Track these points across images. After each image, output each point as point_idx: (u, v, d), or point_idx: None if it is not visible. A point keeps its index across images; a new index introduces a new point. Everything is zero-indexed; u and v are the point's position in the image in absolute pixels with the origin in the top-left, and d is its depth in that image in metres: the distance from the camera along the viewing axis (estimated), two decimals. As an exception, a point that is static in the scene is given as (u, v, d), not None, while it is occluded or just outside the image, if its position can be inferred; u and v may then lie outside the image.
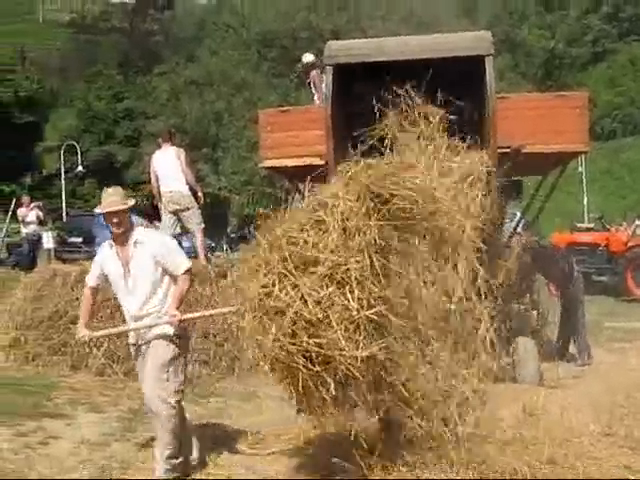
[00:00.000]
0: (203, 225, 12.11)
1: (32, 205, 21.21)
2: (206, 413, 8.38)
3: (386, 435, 6.08)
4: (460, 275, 7.37)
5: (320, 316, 5.00)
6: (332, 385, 5.06)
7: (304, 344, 4.99)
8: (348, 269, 5.11)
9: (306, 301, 5.02)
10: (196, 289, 10.01)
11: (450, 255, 7.29)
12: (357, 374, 5.05)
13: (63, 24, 78.32)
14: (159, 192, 12.04)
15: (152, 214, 13.22)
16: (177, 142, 13.27)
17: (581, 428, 6.95)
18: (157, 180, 12.06)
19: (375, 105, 8.56)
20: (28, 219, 20.82)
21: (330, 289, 5.07)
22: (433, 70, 8.61)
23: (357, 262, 5.14)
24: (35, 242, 20.88)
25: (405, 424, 5.98)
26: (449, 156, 8.54)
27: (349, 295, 5.06)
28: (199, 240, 12.03)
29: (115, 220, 6.13)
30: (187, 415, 6.49)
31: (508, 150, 9.03)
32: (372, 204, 5.42)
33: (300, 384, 5.09)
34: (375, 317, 5.14)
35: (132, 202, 6.32)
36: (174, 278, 6.20)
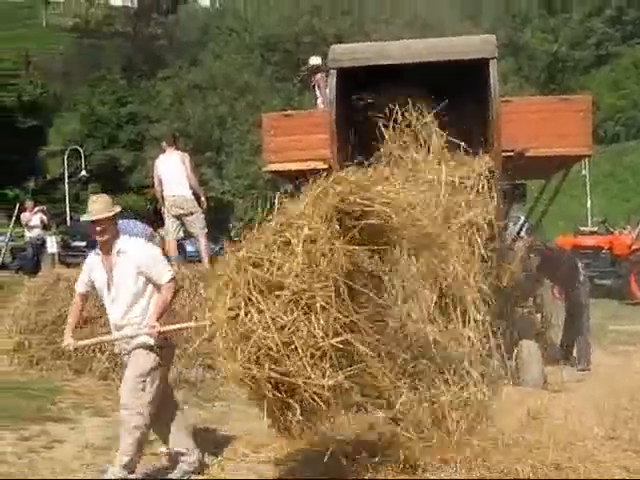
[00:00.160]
0: (206, 230, 12.14)
1: (36, 209, 21.27)
2: (210, 417, 8.37)
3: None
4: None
5: (285, 342, 4.90)
6: (298, 411, 5.00)
7: (267, 372, 4.90)
8: (313, 295, 5.00)
9: (270, 327, 4.91)
10: (200, 293, 10.02)
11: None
12: (322, 403, 4.97)
13: (66, 29, 78.40)
14: (162, 196, 12.06)
15: (155, 220, 13.22)
16: (181, 146, 13.30)
17: (585, 431, 6.95)
18: (160, 184, 12.07)
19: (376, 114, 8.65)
20: (32, 223, 20.88)
21: (295, 314, 4.96)
22: (437, 74, 8.65)
23: (321, 289, 5.01)
24: (39, 246, 20.93)
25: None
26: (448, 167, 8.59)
27: (314, 322, 4.95)
28: (203, 244, 12.06)
29: (98, 228, 6.12)
30: (192, 420, 6.50)
31: (512, 154, 9.03)
32: (338, 226, 5.27)
33: (267, 407, 5.05)
34: (341, 345, 5.03)
35: (117, 210, 6.26)
36: (158, 287, 6.16)
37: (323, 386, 4.91)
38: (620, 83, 56.75)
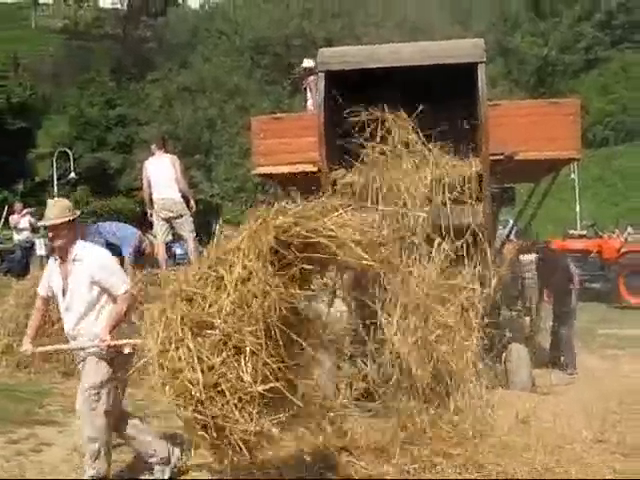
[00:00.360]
0: (195, 233, 12.12)
1: (24, 212, 21.13)
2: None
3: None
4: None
5: (213, 384, 4.77)
6: (230, 452, 4.93)
7: (191, 414, 4.81)
8: (243, 338, 4.80)
9: (196, 368, 4.78)
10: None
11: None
12: (246, 449, 4.85)
13: (56, 30, 78.38)
14: (151, 199, 12.02)
15: (144, 222, 13.18)
16: (170, 149, 13.27)
17: (574, 434, 6.98)
18: (149, 187, 12.04)
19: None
20: (20, 226, 20.75)
21: (224, 355, 4.80)
22: (425, 78, 8.65)
23: (251, 332, 4.79)
24: (28, 249, 20.81)
25: None
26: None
27: (243, 366, 4.78)
28: (191, 247, 12.04)
29: (50, 234, 6.03)
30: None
31: (501, 157, 9.04)
32: (277, 262, 5.02)
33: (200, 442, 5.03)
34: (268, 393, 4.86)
35: (72, 216, 6.05)
36: (113, 298, 6.04)
37: (248, 431, 4.79)
38: (609, 87, 57.03)
